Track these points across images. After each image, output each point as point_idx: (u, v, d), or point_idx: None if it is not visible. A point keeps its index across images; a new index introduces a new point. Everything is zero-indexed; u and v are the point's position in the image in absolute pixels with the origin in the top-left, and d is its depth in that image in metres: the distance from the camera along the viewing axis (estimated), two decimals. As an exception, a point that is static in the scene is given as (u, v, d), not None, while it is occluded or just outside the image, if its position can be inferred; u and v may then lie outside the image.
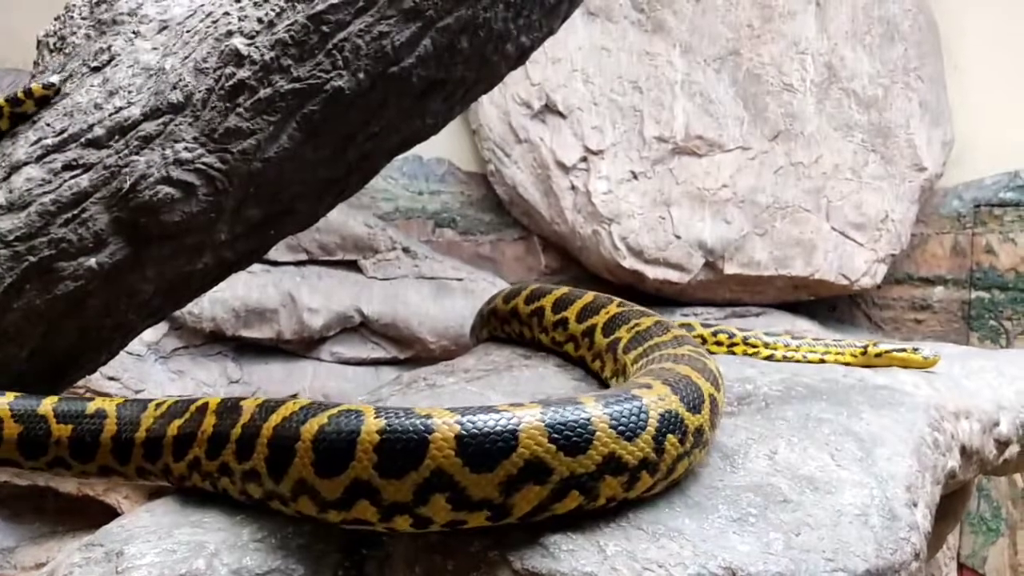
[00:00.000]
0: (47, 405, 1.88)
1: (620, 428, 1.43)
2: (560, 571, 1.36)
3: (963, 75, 5.30)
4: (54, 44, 2.38)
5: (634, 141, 5.17)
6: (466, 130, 5.47)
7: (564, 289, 2.65)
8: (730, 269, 5.05)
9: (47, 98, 2.23)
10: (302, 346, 5.22)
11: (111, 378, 4.73)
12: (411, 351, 5.25)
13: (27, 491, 5.32)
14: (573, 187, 5.17)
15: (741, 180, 5.10)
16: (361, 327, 5.25)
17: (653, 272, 5.07)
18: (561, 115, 5.20)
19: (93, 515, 5.12)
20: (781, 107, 5.14)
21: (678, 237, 5.07)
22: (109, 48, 2.27)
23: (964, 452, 2.20)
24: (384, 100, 2.20)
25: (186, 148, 2.12)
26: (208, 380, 5.21)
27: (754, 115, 5.15)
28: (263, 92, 2.12)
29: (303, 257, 5.26)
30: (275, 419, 1.51)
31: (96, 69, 2.26)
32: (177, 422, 1.72)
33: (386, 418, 1.40)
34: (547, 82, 5.20)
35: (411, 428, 1.37)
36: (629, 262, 5.07)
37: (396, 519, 1.40)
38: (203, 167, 2.13)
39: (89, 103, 2.19)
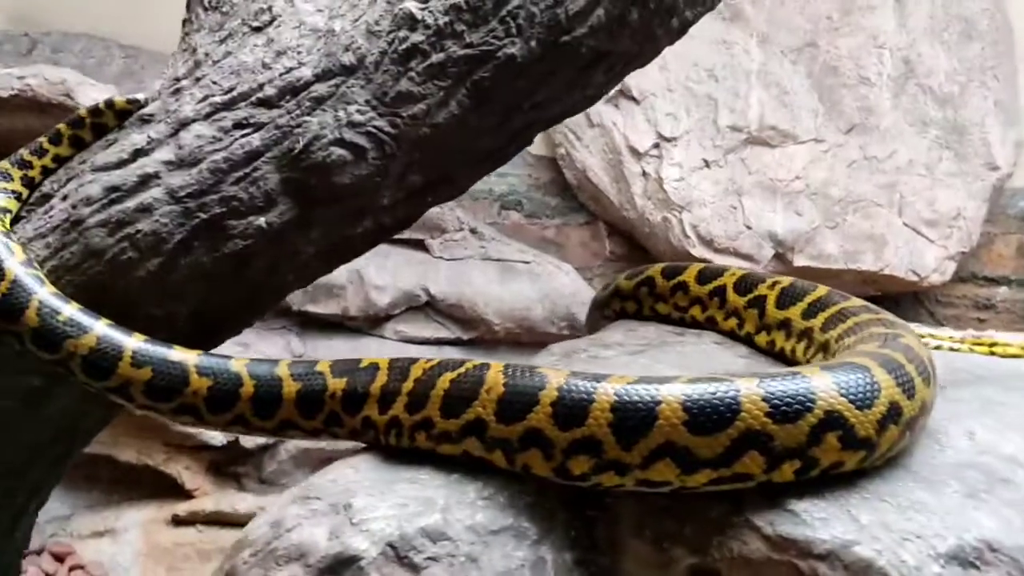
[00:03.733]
0: (283, 367, 1.88)
1: (902, 388, 1.54)
2: (819, 539, 1.35)
3: (1035, 76, 5.30)
4: (209, 2, 2.36)
5: (707, 129, 5.15)
6: (536, 113, 5.44)
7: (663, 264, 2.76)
8: (800, 261, 5.04)
9: (128, 112, 2.20)
10: (367, 323, 5.20)
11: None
12: (475, 332, 5.23)
13: (80, 459, 5.31)
14: (644, 173, 5.16)
15: (814, 172, 5.09)
16: (426, 306, 5.23)
17: (722, 261, 5.07)
18: (635, 100, 5.19)
19: (148, 485, 5.10)
20: (856, 101, 5.13)
21: (748, 227, 5.06)
22: (270, 8, 2.25)
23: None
24: (552, 70, 2.18)
25: (358, 110, 2.11)
26: (272, 354, 5.18)
27: (829, 108, 5.14)
28: (435, 57, 2.11)
29: (372, 234, 5.24)
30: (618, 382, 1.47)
31: (257, 29, 2.24)
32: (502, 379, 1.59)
33: (689, 382, 1.43)
34: (623, 67, 5.17)
35: (719, 390, 1.41)
36: (698, 251, 5.06)
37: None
38: (374, 130, 2.12)
39: (256, 62, 2.17)
